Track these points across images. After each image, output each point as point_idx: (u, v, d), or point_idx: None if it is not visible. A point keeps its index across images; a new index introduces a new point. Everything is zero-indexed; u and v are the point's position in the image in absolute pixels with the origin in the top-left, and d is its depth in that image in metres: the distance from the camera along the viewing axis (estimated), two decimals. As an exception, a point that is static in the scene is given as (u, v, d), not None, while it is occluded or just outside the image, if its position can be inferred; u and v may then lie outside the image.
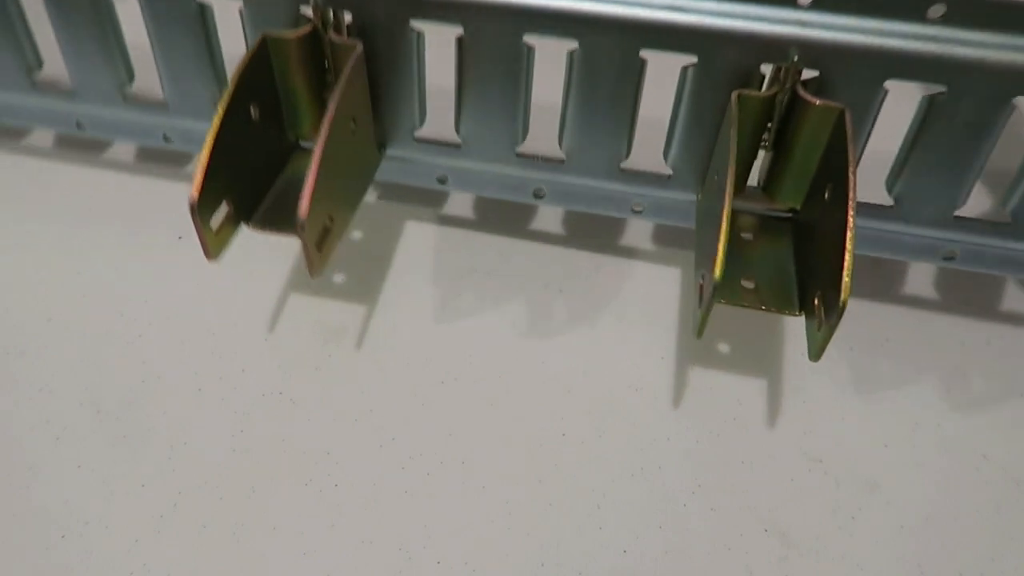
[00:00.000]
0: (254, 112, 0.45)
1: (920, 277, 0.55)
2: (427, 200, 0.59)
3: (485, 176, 0.52)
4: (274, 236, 0.46)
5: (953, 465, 0.47)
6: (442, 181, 0.53)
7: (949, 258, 0.49)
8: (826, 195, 0.43)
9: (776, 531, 0.44)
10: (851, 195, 0.39)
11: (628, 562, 0.43)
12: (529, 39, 0.46)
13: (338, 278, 0.54)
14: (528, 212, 0.58)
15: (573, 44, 0.46)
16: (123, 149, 0.62)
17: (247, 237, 0.55)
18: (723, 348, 0.51)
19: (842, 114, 0.42)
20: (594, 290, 0.54)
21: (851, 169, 0.40)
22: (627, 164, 0.50)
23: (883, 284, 0.54)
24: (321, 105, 0.48)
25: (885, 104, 0.45)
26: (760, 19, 0.43)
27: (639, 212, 0.52)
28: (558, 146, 0.51)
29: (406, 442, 0.47)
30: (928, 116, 0.44)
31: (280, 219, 0.47)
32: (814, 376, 0.50)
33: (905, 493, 0.45)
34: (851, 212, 0.39)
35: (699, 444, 0.47)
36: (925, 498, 0.45)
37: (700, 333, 0.42)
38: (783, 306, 0.44)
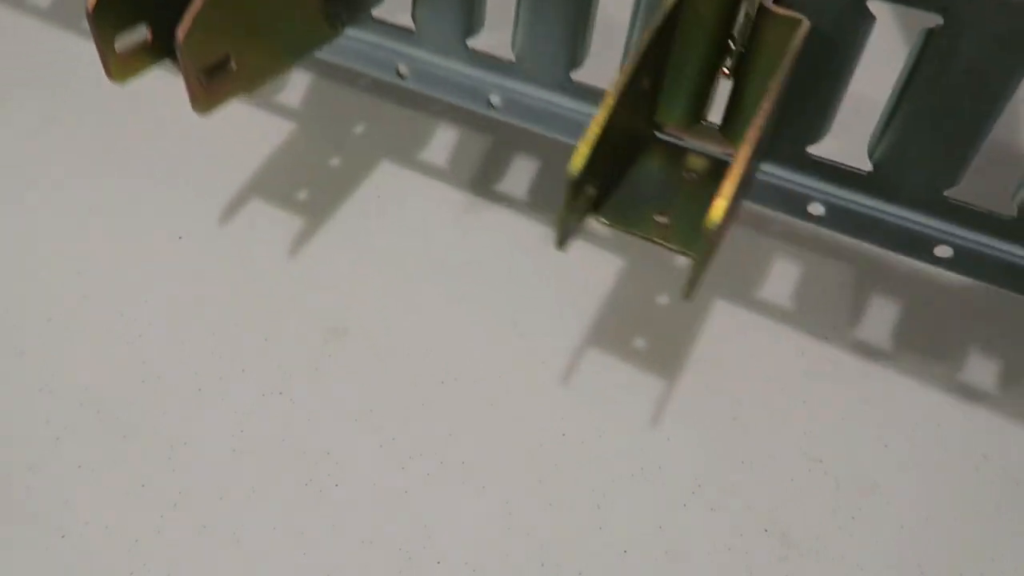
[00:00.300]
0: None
1: (920, 272, 0.55)
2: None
3: (440, 72, 0.50)
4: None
5: (953, 465, 0.47)
6: (401, 76, 0.51)
7: (940, 259, 0.42)
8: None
9: (776, 531, 0.44)
10: (759, 122, 0.34)
11: (628, 562, 0.43)
12: None
13: (344, 250, 0.54)
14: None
15: None
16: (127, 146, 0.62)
17: (246, 238, 0.55)
18: (722, 348, 0.51)
19: (807, 27, 0.36)
20: (593, 288, 0.54)
21: (774, 88, 0.35)
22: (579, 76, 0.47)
23: (895, 286, 0.54)
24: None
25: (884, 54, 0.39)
26: None
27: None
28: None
29: (406, 442, 0.47)
30: (921, 58, 0.37)
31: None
32: (814, 376, 0.50)
33: (905, 493, 0.45)
34: (752, 140, 0.34)
35: (699, 444, 0.47)
36: (925, 498, 0.45)
37: (559, 242, 0.38)
38: (683, 245, 0.38)
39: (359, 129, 0.62)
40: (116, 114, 0.62)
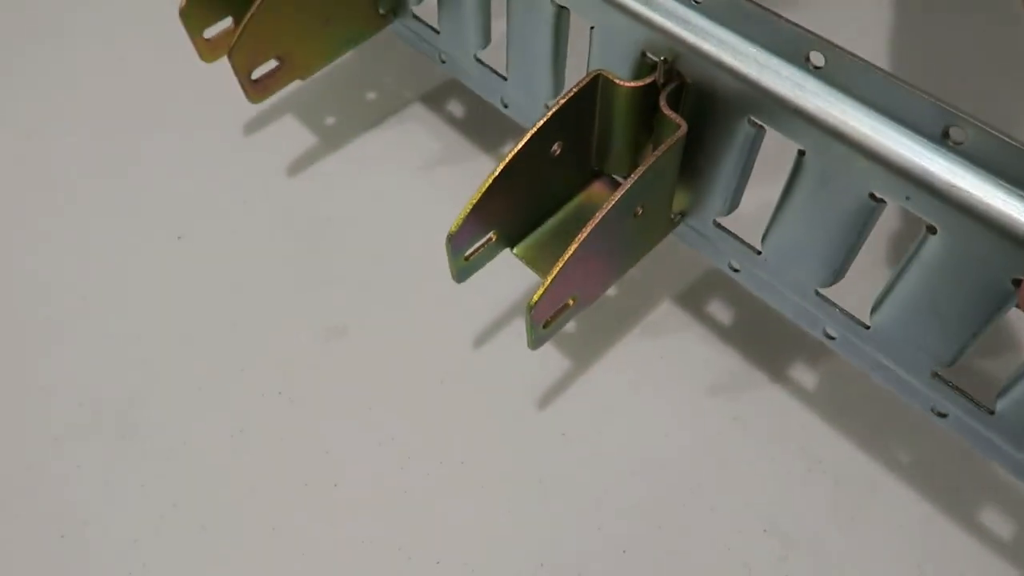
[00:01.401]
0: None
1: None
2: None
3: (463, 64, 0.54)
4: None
5: (952, 465, 0.47)
6: (442, 60, 0.55)
7: (830, 337, 0.44)
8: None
9: (776, 531, 0.44)
10: (612, 200, 0.38)
11: (627, 562, 0.43)
12: None
13: (343, 250, 0.54)
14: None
15: None
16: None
17: (247, 236, 0.55)
18: (721, 348, 0.51)
19: (680, 132, 0.40)
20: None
21: (624, 187, 0.39)
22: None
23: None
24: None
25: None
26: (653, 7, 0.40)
27: None
28: None
29: (405, 442, 0.47)
30: (793, 175, 0.39)
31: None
32: (814, 377, 0.50)
33: (905, 493, 0.45)
34: (601, 214, 0.38)
35: (699, 444, 0.47)
36: (925, 498, 0.45)
37: (456, 279, 0.44)
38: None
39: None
40: (116, 113, 0.62)
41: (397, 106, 0.63)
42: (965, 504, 0.45)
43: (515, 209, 0.44)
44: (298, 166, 0.59)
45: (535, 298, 0.39)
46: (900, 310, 0.39)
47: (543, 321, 0.42)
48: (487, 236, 0.44)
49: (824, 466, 0.46)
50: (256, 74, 0.51)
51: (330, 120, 0.62)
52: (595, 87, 0.41)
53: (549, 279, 0.39)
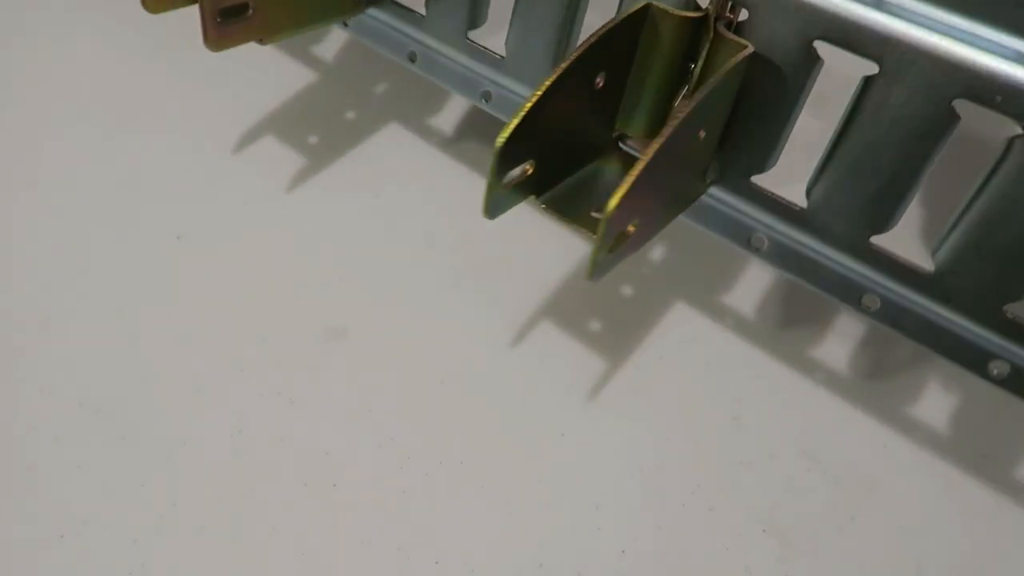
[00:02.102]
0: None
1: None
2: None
3: (443, 61, 0.52)
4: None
5: (953, 465, 0.47)
6: (412, 59, 0.54)
7: (866, 310, 0.42)
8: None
9: (775, 531, 0.44)
10: (672, 125, 0.36)
11: (626, 562, 0.43)
12: None
13: (342, 249, 0.54)
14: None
15: None
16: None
17: (247, 235, 0.55)
18: (720, 349, 0.51)
19: (744, 51, 0.39)
20: (597, 292, 0.54)
21: (698, 97, 0.37)
22: None
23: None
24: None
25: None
26: None
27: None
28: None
29: (405, 442, 0.47)
30: (858, 104, 0.39)
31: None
32: (814, 376, 0.50)
33: (905, 493, 0.45)
34: (661, 139, 0.36)
35: (698, 444, 0.47)
36: (925, 498, 0.45)
37: (486, 211, 0.40)
38: (587, 226, 0.41)
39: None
40: (116, 112, 0.63)
41: (395, 110, 0.63)
42: (964, 504, 0.45)
43: (552, 144, 0.41)
44: (298, 166, 0.59)
45: (613, 202, 0.35)
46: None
47: (617, 232, 0.37)
48: (525, 166, 0.41)
49: (824, 466, 0.46)
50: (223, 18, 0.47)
51: (330, 124, 0.62)
52: (644, 17, 0.40)
53: (630, 179, 0.35)
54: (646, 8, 0.40)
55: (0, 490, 0.45)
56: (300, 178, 0.59)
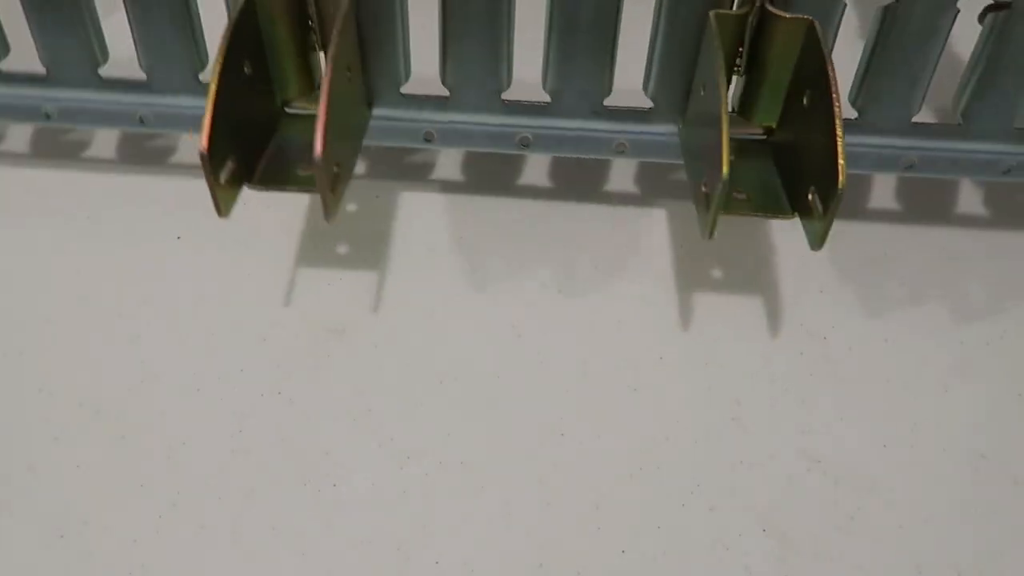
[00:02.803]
0: (247, 69, 0.45)
1: (916, 270, 0.55)
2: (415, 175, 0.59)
3: (471, 128, 0.53)
4: (275, 193, 0.47)
5: (953, 465, 0.47)
6: (428, 139, 0.53)
7: (910, 166, 0.52)
8: (805, 101, 0.45)
9: (775, 531, 0.44)
10: (833, 88, 0.41)
11: (626, 562, 0.43)
12: None
13: (341, 249, 0.54)
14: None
15: None
16: (106, 148, 0.61)
17: (246, 236, 0.55)
18: (721, 348, 0.51)
19: (812, 25, 0.44)
20: (586, 286, 0.54)
21: (829, 67, 0.42)
22: (609, 101, 0.51)
23: (878, 279, 0.54)
24: (306, 65, 0.49)
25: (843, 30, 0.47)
26: None
27: (622, 152, 0.53)
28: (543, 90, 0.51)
29: (405, 442, 0.47)
30: (884, 25, 0.47)
31: (280, 176, 0.47)
32: (813, 375, 0.50)
33: (905, 493, 0.45)
34: (836, 102, 0.41)
35: (698, 444, 0.47)
36: (925, 498, 0.45)
37: (711, 233, 0.43)
38: (777, 211, 0.46)
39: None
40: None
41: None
42: (964, 504, 0.45)
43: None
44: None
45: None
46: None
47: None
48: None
49: (823, 466, 0.46)
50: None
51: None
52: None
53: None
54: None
55: (0, 490, 0.45)
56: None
